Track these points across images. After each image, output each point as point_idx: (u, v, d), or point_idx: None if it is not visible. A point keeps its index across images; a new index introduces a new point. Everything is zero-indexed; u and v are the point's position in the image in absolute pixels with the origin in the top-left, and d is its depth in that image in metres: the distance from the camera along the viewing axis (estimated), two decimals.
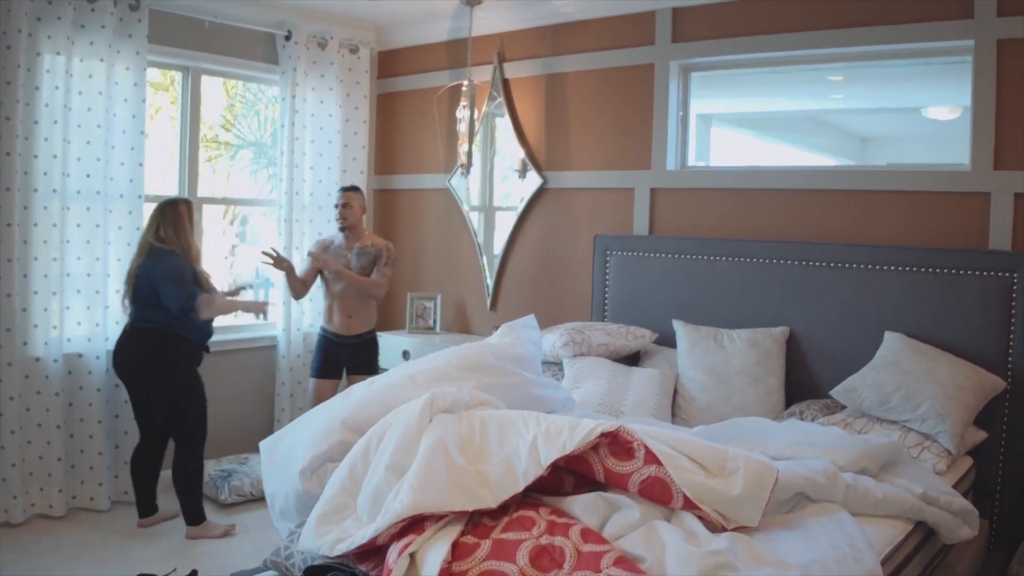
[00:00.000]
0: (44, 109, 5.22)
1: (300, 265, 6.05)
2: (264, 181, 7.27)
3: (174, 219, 5.08)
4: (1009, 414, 4.24)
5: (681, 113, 5.53)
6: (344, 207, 5.81)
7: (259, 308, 5.50)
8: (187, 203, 5.18)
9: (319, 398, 5.58)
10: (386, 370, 5.27)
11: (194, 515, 5.11)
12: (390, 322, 6.94)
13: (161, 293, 4.93)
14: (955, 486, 3.74)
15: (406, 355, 6.29)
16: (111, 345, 5.48)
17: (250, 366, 6.52)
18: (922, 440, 3.96)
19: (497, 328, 4.24)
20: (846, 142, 5.66)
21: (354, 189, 5.91)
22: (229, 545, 5.08)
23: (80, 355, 5.44)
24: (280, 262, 5.70)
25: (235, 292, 5.73)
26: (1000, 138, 4.38)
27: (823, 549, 2.69)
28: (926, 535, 3.41)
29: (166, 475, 5.40)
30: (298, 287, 5.86)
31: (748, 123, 5.94)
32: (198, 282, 5.07)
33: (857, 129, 5.61)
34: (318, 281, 5.95)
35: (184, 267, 5.00)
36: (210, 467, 5.94)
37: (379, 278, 5.79)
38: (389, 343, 6.35)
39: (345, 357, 5.88)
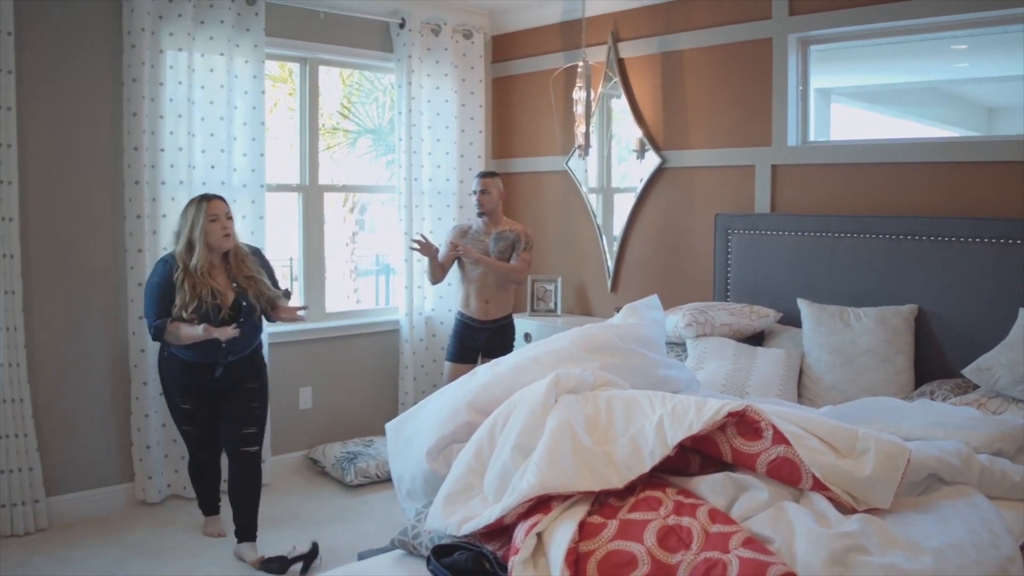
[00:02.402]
0: (169, 104, 5.40)
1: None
2: (383, 168, 7.38)
3: (182, 215, 4.75)
4: None
5: (801, 88, 5.42)
6: (481, 193, 5.84)
7: (222, 335, 4.44)
8: (197, 198, 4.73)
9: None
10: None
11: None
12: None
13: None
14: None
15: (528, 338, 6.32)
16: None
17: (374, 350, 6.64)
18: None
19: (619, 309, 4.22)
20: (971, 113, 5.49)
21: (491, 175, 5.94)
22: (354, 526, 5.20)
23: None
24: (428, 248, 5.76)
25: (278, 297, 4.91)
26: None
27: (958, 533, 2.63)
28: None
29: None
30: (437, 272, 5.92)
31: (867, 96, 5.80)
32: (188, 286, 4.53)
33: (983, 99, 5.44)
34: (454, 266, 6.00)
35: (162, 274, 4.62)
36: (336, 449, 6.08)
37: (519, 263, 5.82)
38: None
39: (481, 342, 5.91)
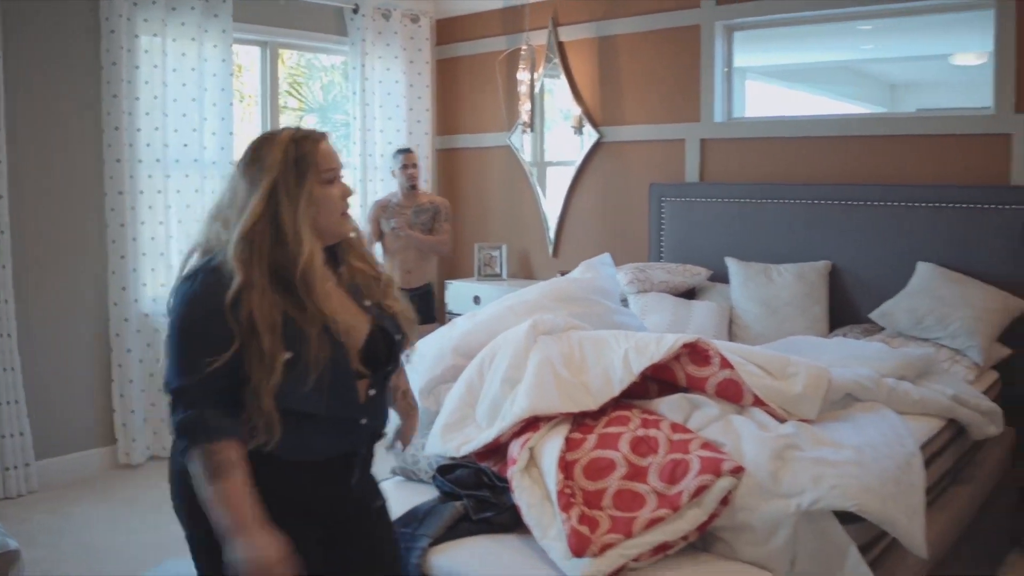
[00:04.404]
0: (144, 86, 5.74)
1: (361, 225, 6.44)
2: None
3: (244, 172, 2.19)
4: None
5: (726, 69, 5.96)
6: (414, 167, 6.22)
7: None
8: (291, 133, 2.23)
9: None
10: (453, 315, 5.78)
11: None
12: (459, 270, 7.43)
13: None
14: None
15: (477, 300, 6.79)
16: None
17: None
18: (953, 355, 4.42)
19: (563, 272, 4.72)
20: (877, 89, 5.97)
21: (412, 150, 6.36)
22: None
23: None
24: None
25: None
26: (1021, 82, 4.76)
27: (872, 435, 3.17)
28: (957, 432, 3.83)
29: None
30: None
31: (781, 74, 6.27)
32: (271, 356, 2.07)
33: (887, 76, 5.94)
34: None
35: (211, 301, 2.08)
36: None
37: (443, 236, 6.22)
38: (460, 290, 6.85)
39: None
